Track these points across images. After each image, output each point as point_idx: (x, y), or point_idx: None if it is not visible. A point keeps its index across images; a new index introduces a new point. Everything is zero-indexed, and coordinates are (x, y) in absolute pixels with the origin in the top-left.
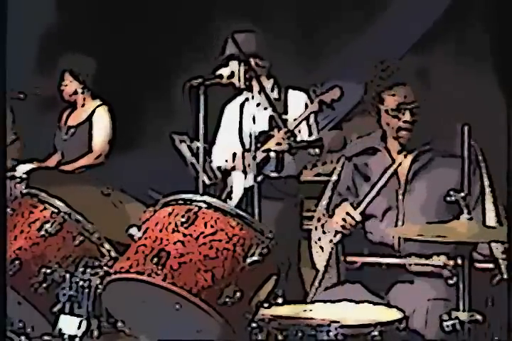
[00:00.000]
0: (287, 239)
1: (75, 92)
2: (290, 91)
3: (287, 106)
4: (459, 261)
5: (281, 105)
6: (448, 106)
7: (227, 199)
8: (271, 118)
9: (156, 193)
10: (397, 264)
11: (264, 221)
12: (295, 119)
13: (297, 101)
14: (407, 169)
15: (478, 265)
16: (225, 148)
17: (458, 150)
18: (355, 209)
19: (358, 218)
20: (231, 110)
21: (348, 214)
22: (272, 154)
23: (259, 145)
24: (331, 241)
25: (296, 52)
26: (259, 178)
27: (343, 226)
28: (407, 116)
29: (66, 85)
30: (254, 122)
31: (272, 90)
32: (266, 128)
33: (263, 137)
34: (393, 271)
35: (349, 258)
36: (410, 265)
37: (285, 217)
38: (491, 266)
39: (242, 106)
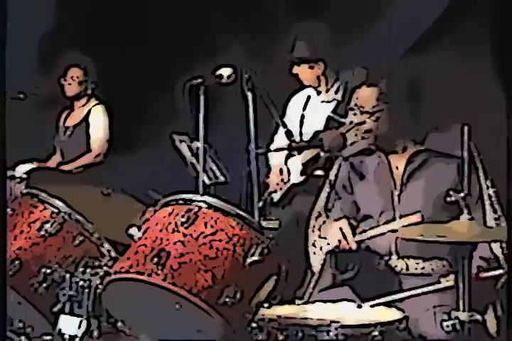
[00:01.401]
0: None
1: (84, 92)
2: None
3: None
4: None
5: (343, 108)
6: (445, 106)
7: (273, 193)
8: (329, 118)
9: (156, 193)
10: (392, 271)
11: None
12: (351, 122)
13: None
14: (402, 170)
15: (485, 274)
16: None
17: (453, 150)
18: (352, 229)
19: (354, 247)
20: (296, 103)
21: (344, 236)
22: (322, 153)
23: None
24: (322, 248)
25: None
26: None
27: (337, 247)
28: (350, 117)
29: (75, 79)
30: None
31: (337, 92)
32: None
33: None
34: (388, 277)
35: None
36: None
37: None
38: (500, 272)
39: (307, 101)
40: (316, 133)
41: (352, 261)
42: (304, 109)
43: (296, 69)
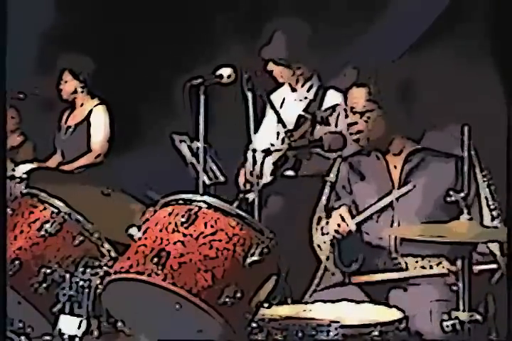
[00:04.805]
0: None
1: (75, 91)
2: (329, 91)
3: (322, 107)
4: (459, 263)
5: (316, 105)
6: (444, 106)
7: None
8: (299, 117)
9: (155, 193)
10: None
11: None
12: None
13: (332, 102)
14: (400, 169)
15: (480, 267)
16: (265, 138)
17: (450, 149)
18: (352, 216)
19: (353, 228)
20: (275, 101)
21: (343, 220)
22: (290, 153)
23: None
24: (325, 241)
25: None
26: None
27: (336, 231)
28: (349, 118)
29: (66, 82)
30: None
31: (309, 90)
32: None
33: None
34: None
35: (354, 279)
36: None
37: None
38: (494, 266)
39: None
40: (286, 132)
41: (356, 254)
42: (281, 107)
43: (271, 66)
